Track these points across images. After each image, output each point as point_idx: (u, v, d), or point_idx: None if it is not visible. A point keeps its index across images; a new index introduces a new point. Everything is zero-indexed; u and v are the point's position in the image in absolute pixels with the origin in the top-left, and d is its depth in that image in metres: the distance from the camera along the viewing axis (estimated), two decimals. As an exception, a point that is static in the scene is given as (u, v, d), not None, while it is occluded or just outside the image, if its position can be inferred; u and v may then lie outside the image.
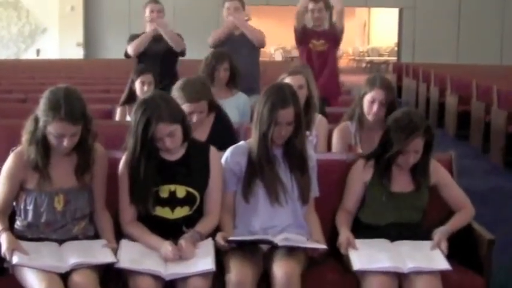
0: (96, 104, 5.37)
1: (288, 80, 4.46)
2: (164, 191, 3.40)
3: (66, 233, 3.35)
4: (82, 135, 3.29)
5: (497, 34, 18.41)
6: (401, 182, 3.61)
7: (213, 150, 3.54)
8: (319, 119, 4.60)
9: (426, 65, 13.91)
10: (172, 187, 3.41)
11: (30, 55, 18.00)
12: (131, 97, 5.48)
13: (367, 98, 4.18)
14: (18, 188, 3.34)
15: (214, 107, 4.28)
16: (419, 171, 3.61)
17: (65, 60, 14.92)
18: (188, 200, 3.42)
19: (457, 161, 3.92)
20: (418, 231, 3.55)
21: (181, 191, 3.41)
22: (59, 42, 18.05)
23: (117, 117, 5.61)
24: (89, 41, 18.25)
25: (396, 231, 3.52)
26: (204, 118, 4.17)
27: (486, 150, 9.25)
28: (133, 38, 6.55)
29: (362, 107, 4.22)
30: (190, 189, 3.42)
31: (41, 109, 3.25)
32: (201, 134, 4.08)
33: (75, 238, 3.36)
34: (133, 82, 5.54)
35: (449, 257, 3.38)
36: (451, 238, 3.48)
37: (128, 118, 5.48)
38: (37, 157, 3.28)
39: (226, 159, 3.54)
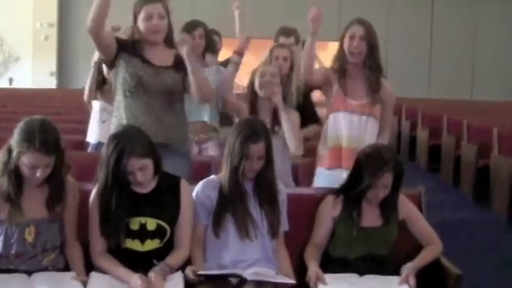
0: (69, 135, 5.35)
1: (261, 67, 4.60)
2: (135, 224, 3.40)
3: (36, 264, 3.33)
4: (55, 166, 3.29)
5: (468, 69, 18.63)
6: (370, 217, 3.63)
7: (183, 183, 3.55)
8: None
9: (397, 99, 13.97)
10: (142, 220, 3.41)
11: (2, 84, 17.89)
12: (101, 81, 5.64)
13: (346, 37, 4.26)
14: None
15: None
16: (388, 206, 3.63)
17: (38, 90, 14.85)
18: (158, 232, 3.42)
19: (427, 196, 3.95)
20: (387, 265, 3.57)
21: (151, 224, 3.41)
22: (32, 71, 17.98)
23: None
24: (62, 70, 18.19)
25: (365, 265, 3.54)
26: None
27: (457, 184, 9.33)
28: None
29: (343, 50, 4.29)
30: (161, 222, 3.42)
31: (15, 140, 3.25)
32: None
33: (45, 269, 3.34)
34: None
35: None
36: (419, 272, 3.50)
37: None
38: (9, 188, 3.27)
39: (197, 193, 3.55)
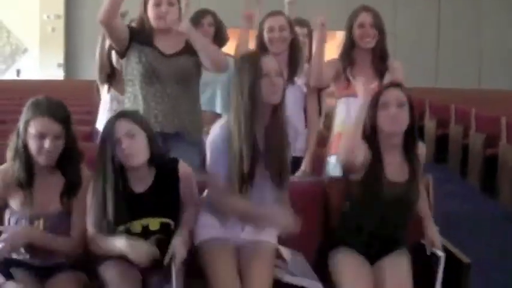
0: (77, 126, 5.35)
1: (268, 22, 4.41)
2: (136, 227, 3.25)
3: (44, 258, 3.27)
4: (66, 145, 3.22)
5: (476, 58, 18.58)
6: (394, 170, 3.49)
7: (182, 167, 3.36)
8: (306, 68, 4.55)
9: (405, 89, 14.00)
10: (144, 222, 3.25)
11: (10, 75, 17.92)
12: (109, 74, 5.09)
13: (355, 27, 4.22)
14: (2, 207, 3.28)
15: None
16: (410, 154, 3.52)
17: (45, 81, 14.86)
18: (162, 229, 3.28)
19: (435, 185, 3.95)
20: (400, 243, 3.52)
21: (154, 224, 3.27)
22: (39, 62, 18.00)
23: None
24: (69, 61, 18.20)
25: (377, 243, 3.47)
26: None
27: (464, 174, 9.31)
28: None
29: (350, 40, 4.26)
30: (164, 220, 3.29)
31: (22, 116, 3.21)
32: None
33: (53, 263, 3.28)
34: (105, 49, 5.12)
35: (426, 280, 3.40)
36: (428, 261, 3.50)
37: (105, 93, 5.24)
38: (20, 172, 3.20)
39: (217, 144, 3.27)
